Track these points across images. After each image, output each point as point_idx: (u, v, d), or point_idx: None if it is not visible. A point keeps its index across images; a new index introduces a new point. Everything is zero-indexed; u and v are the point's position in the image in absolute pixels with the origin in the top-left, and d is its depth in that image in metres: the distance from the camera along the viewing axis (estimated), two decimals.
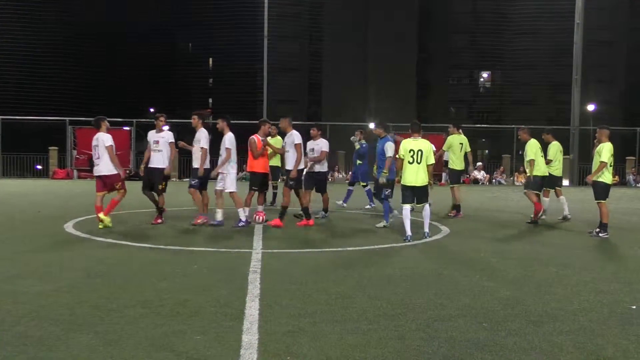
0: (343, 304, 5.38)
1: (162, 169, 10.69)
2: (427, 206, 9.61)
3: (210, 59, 60.35)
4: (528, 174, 11.77)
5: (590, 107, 39.83)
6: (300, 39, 58.47)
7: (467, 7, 58.04)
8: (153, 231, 9.95)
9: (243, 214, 10.46)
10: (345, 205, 14.27)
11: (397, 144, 10.34)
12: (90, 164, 15.48)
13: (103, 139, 9.99)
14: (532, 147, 11.63)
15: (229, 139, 10.51)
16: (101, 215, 9.90)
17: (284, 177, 11.28)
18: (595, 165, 10.28)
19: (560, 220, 12.45)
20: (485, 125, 52.03)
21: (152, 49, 53.20)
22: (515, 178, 28.18)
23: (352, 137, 14.69)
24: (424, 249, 8.77)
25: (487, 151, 54.16)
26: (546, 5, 47.67)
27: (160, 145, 10.66)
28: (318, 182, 11.40)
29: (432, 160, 9.50)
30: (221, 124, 10.70)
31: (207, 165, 10.65)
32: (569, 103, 31.13)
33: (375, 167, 11.21)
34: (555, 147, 12.32)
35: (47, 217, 11.70)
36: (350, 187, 14.75)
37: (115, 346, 4.19)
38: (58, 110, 35.27)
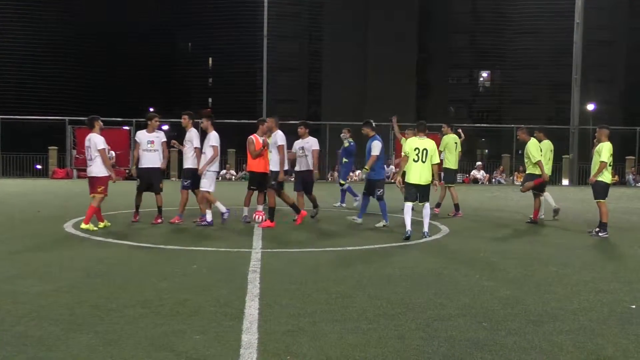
0: (343, 304, 5.38)
1: (159, 169, 10.74)
2: (427, 205, 9.63)
3: (210, 59, 60.37)
4: (538, 174, 11.66)
5: (590, 107, 39.86)
6: (300, 38, 58.47)
7: (467, 6, 58.02)
8: (153, 231, 9.95)
9: (209, 214, 10.43)
10: (344, 205, 14.27)
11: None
12: None
13: (95, 141, 9.84)
14: (536, 147, 11.61)
15: (214, 138, 10.45)
16: (85, 226, 9.75)
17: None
18: (594, 164, 10.28)
19: (554, 216, 12.41)
20: (485, 125, 52.09)
21: (152, 49, 53.25)
22: (515, 177, 28.19)
23: (342, 134, 14.72)
24: (424, 248, 8.77)
25: (486, 151, 54.21)
26: (546, 4, 47.70)
27: (156, 145, 10.70)
28: (306, 183, 11.35)
29: (437, 160, 9.58)
30: (205, 122, 10.64)
31: (193, 165, 10.64)
32: (569, 103, 31.15)
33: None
34: (546, 145, 12.29)
35: (47, 217, 11.70)
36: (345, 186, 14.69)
37: (115, 346, 4.19)
38: (58, 110, 35.29)
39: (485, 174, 29.67)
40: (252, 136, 10.86)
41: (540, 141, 12.07)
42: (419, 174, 9.42)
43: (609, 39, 54.09)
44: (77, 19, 49.73)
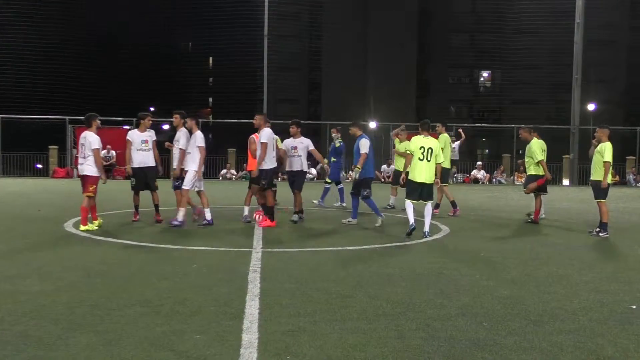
0: (343, 303, 5.38)
1: (155, 167, 10.80)
2: (429, 205, 9.66)
3: (211, 58, 60.36)
4: (541, 174, 11.65)
5: (591, 107, 39.82)
6: (301, 38, 58.46)
7: (467, 6, 57.98)
8: (153, 230, 9.96)
9: (182, 214, 10.29)
10: (344, 204, 14.26)
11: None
12: None
13: (91, 140, 9.78)
14: (539, 147, 11.60)
15: (200, 138, 10.37)
16: (85, 227, 9.70)
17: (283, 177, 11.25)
18: (594, 164, 10.27)
19: (525, 215, 12.43)
20: (485, 125, 52.07)
21: (152, 48, 53.26)
22: (516, 177, 28.18)
23: (333, 134, 14.74)
24: (424, 248, 8.77)
25: (487, 150, 54.22)
26: (546, 4, 47.65)
27: (150, 144, 10.76)
28: (294, 180, 11.22)
29: (441, 159, 9.66)
30: (190, 122, 10.54)
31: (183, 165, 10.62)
32: (570, 102, 31.15)
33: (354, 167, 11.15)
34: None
35: (47, 216, 11.70)
36: (337, 185, 14.60)
37: (115, 345, 4.19)
38: (58, 109, 35.27)
39: (485, 174, 29.67)
40: (253, 136, 10.85)
41: (528, 142, 12.06)
42: (424, 172, 9.50)
43: (609, 39, 54.04)
44: (77, 19, 49.74)
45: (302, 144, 11.23)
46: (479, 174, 29.36)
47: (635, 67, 52.16)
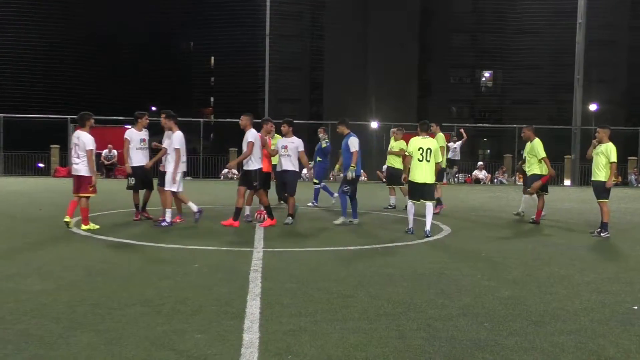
0: (344, 303, 5.37)
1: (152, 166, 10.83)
2: (429, 205, 9.66)
3: (212, 58, 60.41)
4: (544, 174, 11.65)
5: (592, 107, 39.78)
6: (302, 37, 58.48)
7: (468, 6, 57.95)
8: (153, 230, 9.95)
9: (169, 215, 10.22)
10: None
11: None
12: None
13: (85, 141, 9.61)
14: (541, 145, 11.60)
15: (177, 139, 10.25)
16: (86, 227, 9.64)
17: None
18: (596, 164, 10.24)
19: (514, 215, 12.46)
20: (486, 125, 52.03)
21: (154, 48, 53.33)
22: (517, 178, 28.15)
23: (320, 134, 14.73)
24: (425, 248, 8.76)
25: (488, 151, 54.17)
26: (548, 4, 47.66)
27: (147, 143, 10.82)
28: (284, 184, 10.96)
29: (439, 159, 9.71)
30: (168, 122, 10.41)
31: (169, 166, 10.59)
32: (571, 103, 31.10)
33: (338, 166, 11.07)
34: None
35: (49, 215, 11.69)
36: (321, 184, 14.50)
37: (116, 345, 4.19)
38: (60, 109, 35.32)
39: (487, 174, 29.65)
40: (257, 134, 10.83)
41: (530, 141, 12.08)
42: (423, 173, 9.57)
43: (611, 39, 53.99)
44: (79, 18, 49.81)
45: (293, 143, 10.89)
46: (481, 174, 29.33)
47: (636, 67, 52.12)
